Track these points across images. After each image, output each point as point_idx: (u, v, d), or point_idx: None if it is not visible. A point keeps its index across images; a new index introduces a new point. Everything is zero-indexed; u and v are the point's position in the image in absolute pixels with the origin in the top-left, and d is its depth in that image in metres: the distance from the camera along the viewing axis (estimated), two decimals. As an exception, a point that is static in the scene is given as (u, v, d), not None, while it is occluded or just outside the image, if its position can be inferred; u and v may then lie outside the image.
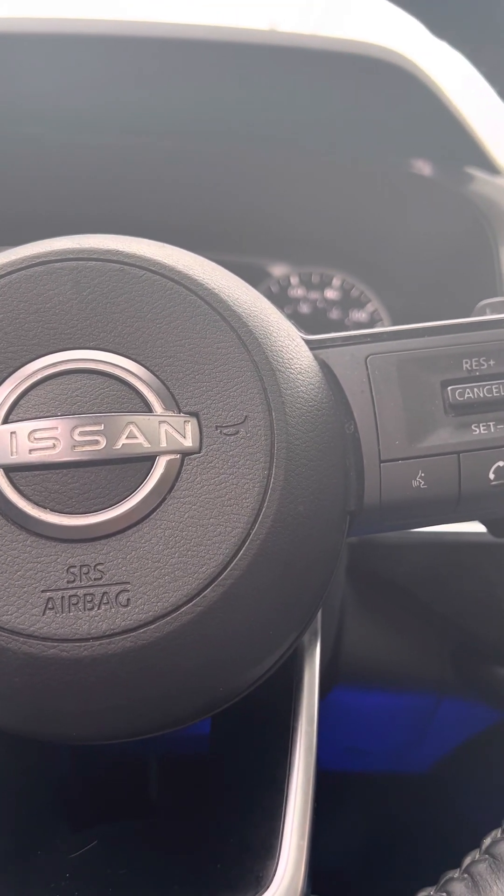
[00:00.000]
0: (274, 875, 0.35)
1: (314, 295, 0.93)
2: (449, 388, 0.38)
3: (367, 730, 0.82)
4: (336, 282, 0.93)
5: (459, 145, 0.76)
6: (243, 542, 0.33)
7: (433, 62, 0.71)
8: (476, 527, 0.48)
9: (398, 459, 0.37)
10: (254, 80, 0.77)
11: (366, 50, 0.72)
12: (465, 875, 0.35)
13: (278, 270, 0.93)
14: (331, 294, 0.93)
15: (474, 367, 0.38)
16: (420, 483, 0.37)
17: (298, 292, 0.93)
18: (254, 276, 0.93)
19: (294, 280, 0.93)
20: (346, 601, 0.70)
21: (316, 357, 0.39)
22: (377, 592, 0.72)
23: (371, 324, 0.92)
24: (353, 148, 0.82)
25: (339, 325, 0.93)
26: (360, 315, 0.93)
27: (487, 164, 0.77)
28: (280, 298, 0.93)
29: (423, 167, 0.78)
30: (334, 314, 0.93)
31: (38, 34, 0.71)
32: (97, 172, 0.85)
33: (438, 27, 0.41)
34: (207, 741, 0.43)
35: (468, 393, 0.38)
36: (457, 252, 0.80)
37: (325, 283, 0.93)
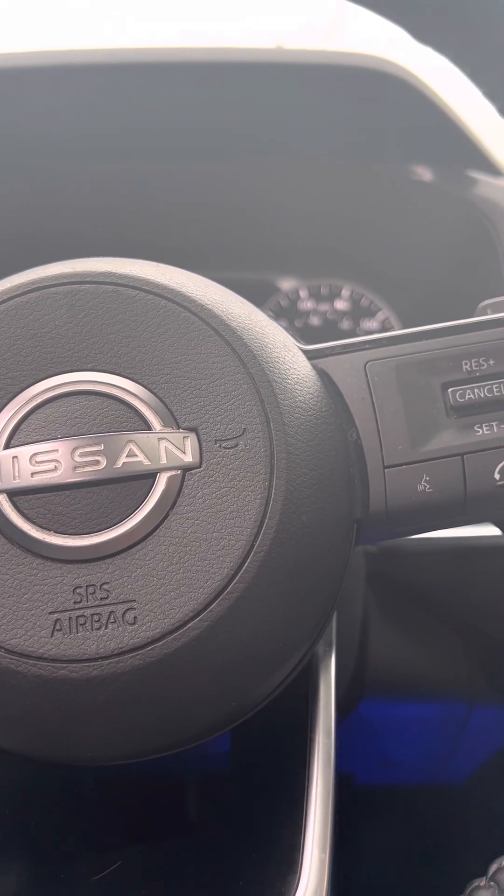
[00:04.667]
0: (296, 890, 0.34)
1: (324, 307, 0.93)
2: (450, 390, 0.38)
3: (400, 742, 0.81)
4: (345, 292, 0.93)
5: (460, 149, 0.76)
6: (247, 554, 0.33)
7: (426, 69, 0.71)
8: (495, 530, 0.48)
9: (402, 464, 0.37)
10: (258, 96, 0.78)
11: (363, 62, 0.73)
12: (492, 883, 0.34)
13: (287, 284, 0.93)
14: (340, 305, 0.93)
15: (474, 368, 0.38)
16: (425, 487, 0.37)
17: (308, 305, 0.93)
18: (263, 292, 0.93)
19: (303, 293, 0.93)
20: (368, 612, 0.69)
21: (314, 366, 0.39)
22: (400, 602, 0.72)
23: (382, 332, 0.92)
24: (354, 158, 0.83)
25: (351, 336, 0.92)
26: (371, 324, 0.93)
27: (489, 167, 0.76)
28: (290, 312, 0.93)
29: (424, 173, 0.78)
30: (345, 325, 0.93)
31: (44, 66, 0.73)
32: (104, 198, 0.86)
33: (421, 33, 0.41)
34: (227, 759, 0.43)
35: (469, 394, 0.38)
36: (463, 255, 0.79)
37: (334, 295, 0.93)
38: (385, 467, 0.37)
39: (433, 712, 0.76)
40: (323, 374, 0.39)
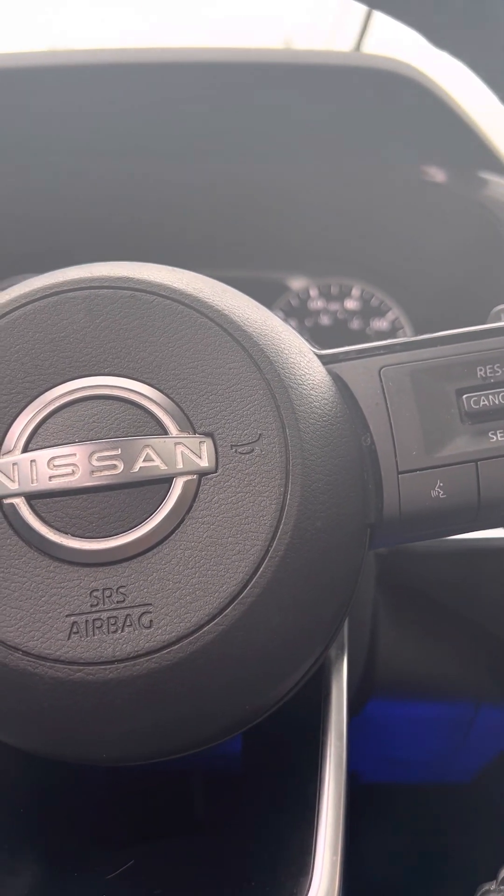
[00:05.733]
0: (308, 891, 0.35)
1: (334, 306, 0.93)
2: (464, 396, 0.38)
3: (406, 740, 0.81)
4: (355, 292, 0.93)
5: (472, 151, 0.76)
6: (262, 559, 0.33)
7: (439, 71, 0.71)
8: (504, 532, 0.48)
9: (416, 470, 0.37)
10: (270, 97, 0.78)
11: (376, 63, 0.73)
12: (502, 888, 0.34)
13: (297, 283, 0.93)
14: (351, 304, 0.93)
15: (489, 375, 0.38)
16: (439, 493, 0.37)
17: (318, 304, 0.93)
18: (273, 291, 0.93)
19: (313, 292, 0.93)
20: (377, 612, 0.69)
21: (329, 371, 0.39)
22: (409, 602, 0.72)
23: (393, 332, 0.92)
24: (366, 158, 0.83)
25: (361, 335, 0.93)
26: (381, 324, 0.93)
27: (501, 168, 0.76)
28: (300, 311, 0.93)
29: (436, 174, 0.78)
30: (355, 324, 0.93)
31: (51, 67, 0.73)
32: (116, 197, 0.86)
33: (436, 38, 0.41)
34: (238, 760, 0.43)
35: (483, 400, 0.38)
36: (474, 257, 0.79)
37: (344, 294, 0.93)
38: (399, 472, 0.37)
39: (440, 712, 0.76)
40: (337, 379, 0.39)
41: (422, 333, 0.92)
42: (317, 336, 0.93)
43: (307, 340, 0.41)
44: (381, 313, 0.93)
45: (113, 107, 0.77)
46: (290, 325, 0.93)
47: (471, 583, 0.69)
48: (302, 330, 0.93)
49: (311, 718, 0.40)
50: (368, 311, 0.93)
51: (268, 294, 0.93)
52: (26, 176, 0.82)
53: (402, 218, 0.85)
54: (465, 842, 0.90)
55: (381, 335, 0.92)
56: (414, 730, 0.79)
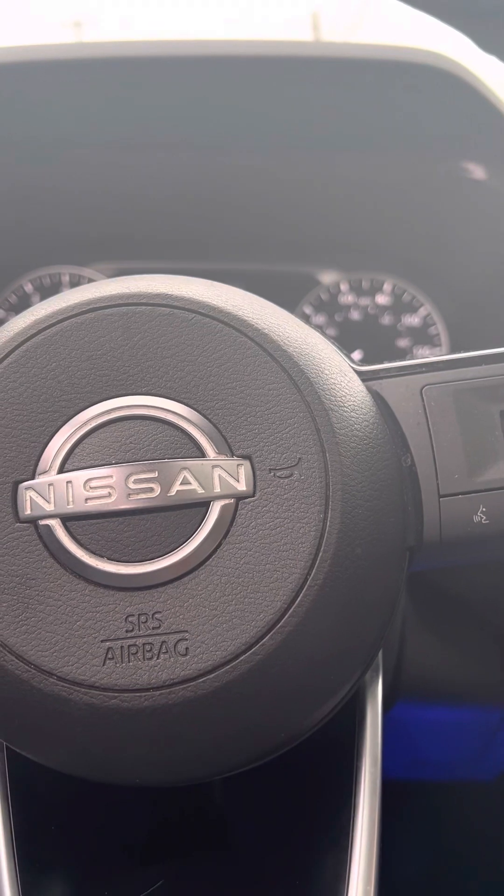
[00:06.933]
0: None
1: (365, 301, 0.92)
2: None
3: (431, 742, 0.81)
4: (387, 287, 0.91)
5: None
6: (301, 587, 0.32)
7: (479, 65, 0.69)
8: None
9: (458, 494, 0.36)
10: (305, 90, 0.76)
11: (417, 57, 0.71)
12: None
13: (328, 278, 0.92)
14: (382, 299, 0.91)
15: None
16: (482, 518, 0.36)
17: (349, 299, 0.92)
18: (303, 285, 0.92)
19: (344, 287, 0.92)
20: (406, 616, 0.69)
21: (369, 389, 0.38)
22: (437, 606, 0.71)
23: (424, 328, 0.91)
24: (403, 153, 0.81)
25: (392, 331, 0.92)
26: (412, 320, 0.91)
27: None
28: (330, 306, 0.92)
29: (476, 170, 0.77)
30: (386, 320, 0.91)
31: (84, 59, 0.72)
32: (149, 190, 0.86)
33: (486, 42, 0.40)
34: (272, 782, 0.43)
35: None
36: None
37: (375, 289, 0.92)
38: (440, 496, 0.36)
39: (467, 716, 0.75)
40: (378, 398, 0.38)
41: (454, 330, 0.90)
42: (347, 331, 0.92)
43: (346, 356, 0.40)
44: (412, 309, 0.91)
45: (147, 100, 0.76)
46: (320, 319, 0.92)
47: (500, 588, 0.68)
48: (331, 325, 0.91)
49: (346, 740, 0.39)
50: (400, 306, 0.91)
51: (298, 288, 0.91)
52: (69, 167, 0.82)
53: (439, 213, 0.83)
54: (486, 839, 0.90)
55: (413, 331, 0.91)
56: (439, 732, 0.79)
